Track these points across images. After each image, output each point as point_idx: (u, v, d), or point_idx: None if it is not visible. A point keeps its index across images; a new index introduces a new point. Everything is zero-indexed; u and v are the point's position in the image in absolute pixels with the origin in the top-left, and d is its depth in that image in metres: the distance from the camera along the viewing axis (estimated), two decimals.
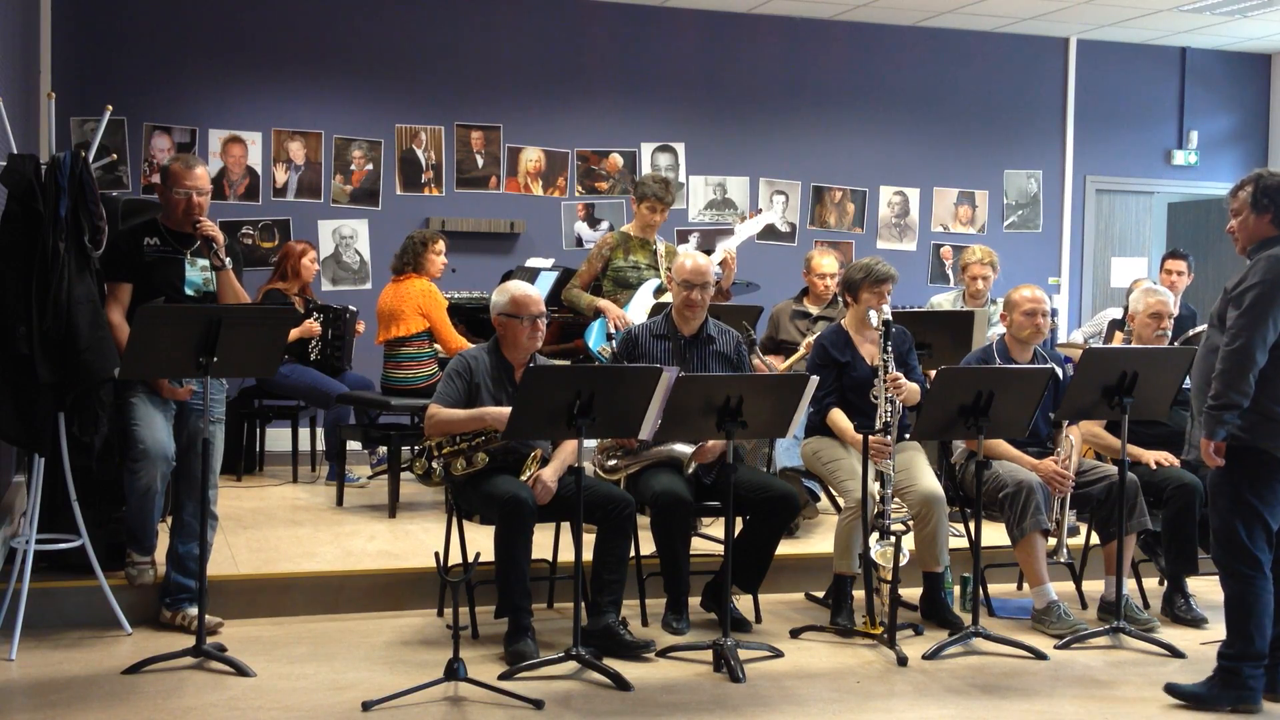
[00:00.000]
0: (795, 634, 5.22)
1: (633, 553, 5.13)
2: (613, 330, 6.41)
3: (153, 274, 4.96)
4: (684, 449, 5.27)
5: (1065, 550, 5.42)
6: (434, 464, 4.94)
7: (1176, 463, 5.67)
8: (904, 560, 5.00)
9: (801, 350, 6.60)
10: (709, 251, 6.21)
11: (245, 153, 9.09)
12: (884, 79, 10.43)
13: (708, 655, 4.78)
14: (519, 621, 4.76)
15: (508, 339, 5.10)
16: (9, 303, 4.65)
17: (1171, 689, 4.52)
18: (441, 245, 7.44)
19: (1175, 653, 5.06)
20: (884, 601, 5.05)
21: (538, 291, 5.24)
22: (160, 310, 4.71)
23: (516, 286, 5.17)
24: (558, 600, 5.51)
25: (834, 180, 10.36)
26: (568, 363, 6.18)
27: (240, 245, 8.54)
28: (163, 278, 4.96)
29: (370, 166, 9.34)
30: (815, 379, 4.93)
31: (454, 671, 4.30)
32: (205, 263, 5.03)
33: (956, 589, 5.73)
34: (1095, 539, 5.68)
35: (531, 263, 8.37)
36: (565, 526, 5.22)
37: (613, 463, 5.31)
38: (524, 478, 4.92)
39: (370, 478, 7.77)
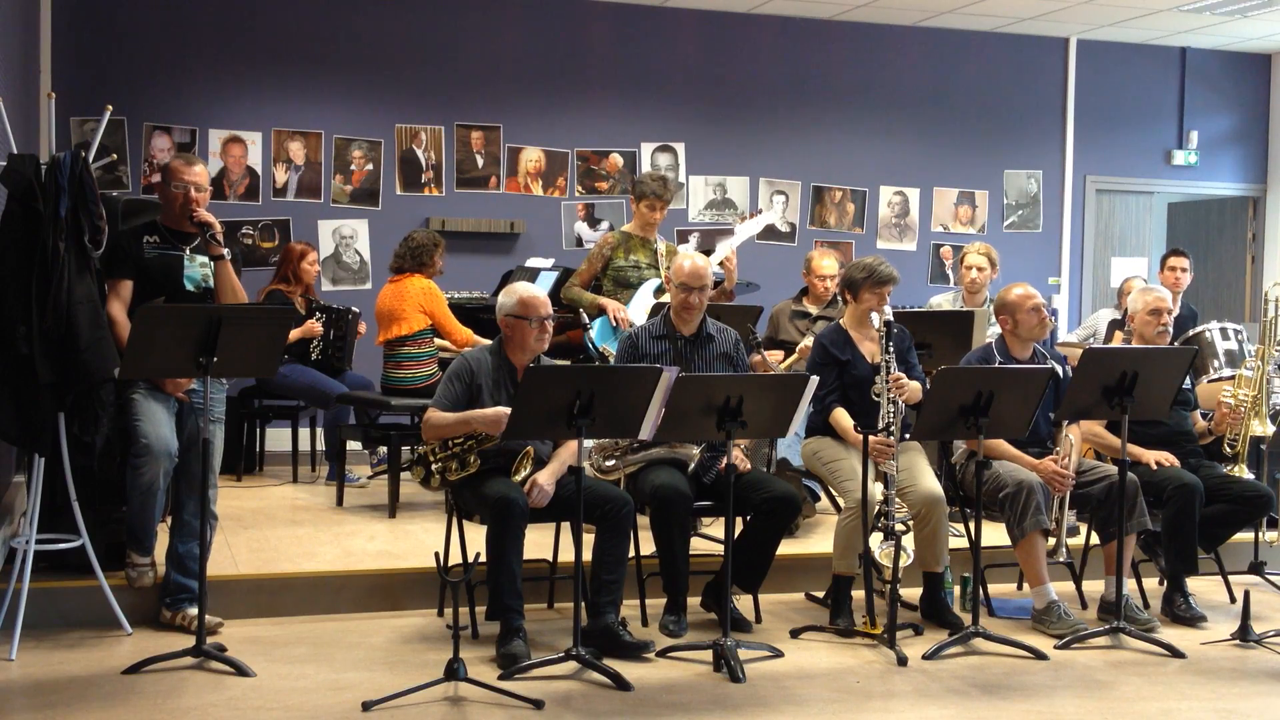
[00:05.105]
0: (795, 634, 5.21)
1: (632, 553, 5.13)
2: (614, 326, 6.42)
3: (153, 270, 4.98)
4: (688, 449, 5.27)
5: (1065, 550, 5.42)
6: (432, 469, 4.95)
7: (1176, 463, 5.67)
8: (908, 560, 5.00)
9: (802, 347, 6.59)
10: (708, 252, 6.21)
11: (245, 153, 9.09)
12: (884, 79, 10.42)
13: (708, 655, 4.78)
14: (510, 624, 4.75)
15: (514, 340, 5.09)
16: (9, 303, 4.64)
17: None
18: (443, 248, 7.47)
19: (1175, 653, 5.06)
20: (884, 601, 5.05)
21: (545, 293, 5.24)
22: (160, 310, 4.71)
23: (524, 288, 5.16)
24: (558, 600, 5.51)
25: (834, 180, 10.36)
26: (568, 362, 6.18)
27: (240, 245, 8.56)
28: (163, 274, 4.98)
29: (370, 166, 9.33)
30: (815, 379, 4.93)
31: (454, 671, 4.30)
32: (204, 259, 5.05)
33: (956, 589, 5.73)
34: (1095, 539, 5.68)
35: (531, 263, 8.37)
36: (565, 526, 5.22)
37: (610, 463, 5.31)
38: (516, 478, 4.91)
39: (370, 478, 7.77)
